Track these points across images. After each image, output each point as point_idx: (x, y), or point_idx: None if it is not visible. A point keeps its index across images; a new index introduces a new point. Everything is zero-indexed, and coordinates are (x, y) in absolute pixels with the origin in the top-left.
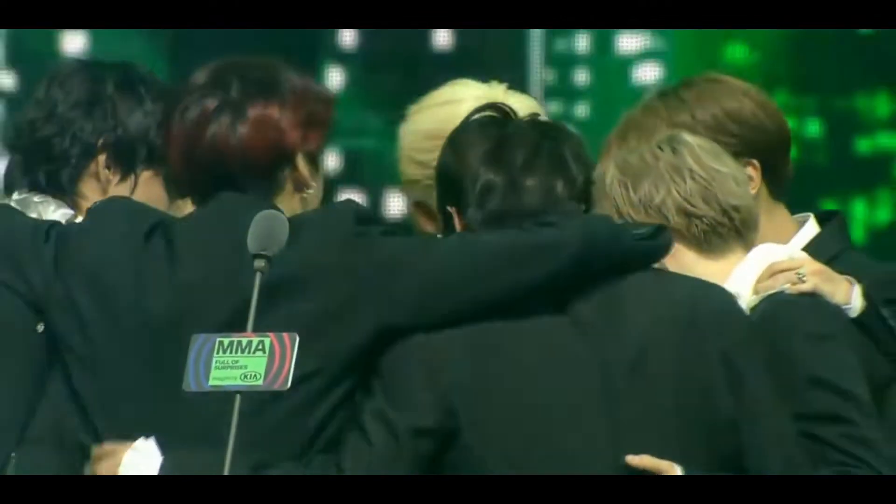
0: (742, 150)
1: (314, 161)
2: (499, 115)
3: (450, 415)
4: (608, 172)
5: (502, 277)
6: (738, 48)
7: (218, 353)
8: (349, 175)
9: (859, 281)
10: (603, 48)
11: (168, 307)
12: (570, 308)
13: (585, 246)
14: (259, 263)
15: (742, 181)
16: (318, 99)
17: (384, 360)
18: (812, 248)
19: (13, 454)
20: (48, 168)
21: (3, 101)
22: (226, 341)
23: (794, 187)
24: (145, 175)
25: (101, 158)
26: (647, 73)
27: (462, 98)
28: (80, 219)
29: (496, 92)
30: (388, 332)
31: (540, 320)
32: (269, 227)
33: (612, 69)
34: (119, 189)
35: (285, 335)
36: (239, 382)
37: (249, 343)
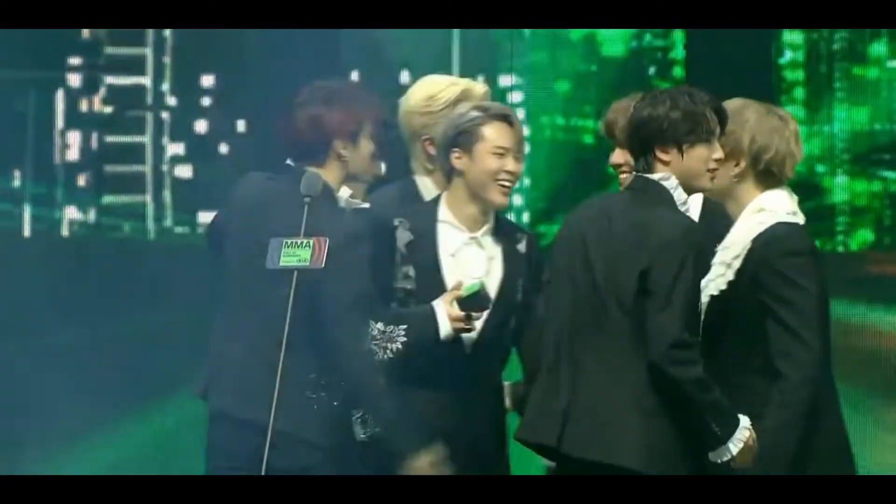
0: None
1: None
2: None
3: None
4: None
5: None
6: (563, 83)
7: (285, 248)
8: None
9: None
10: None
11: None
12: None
13: None
14: (306, 200)
15: None
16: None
17: None
18: None
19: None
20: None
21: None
22: (289, 241)
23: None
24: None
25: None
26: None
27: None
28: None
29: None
30: None
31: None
32: (312, 180)
33: None
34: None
35: (321, 238)
36: (296, 263)
37: (302, 242)
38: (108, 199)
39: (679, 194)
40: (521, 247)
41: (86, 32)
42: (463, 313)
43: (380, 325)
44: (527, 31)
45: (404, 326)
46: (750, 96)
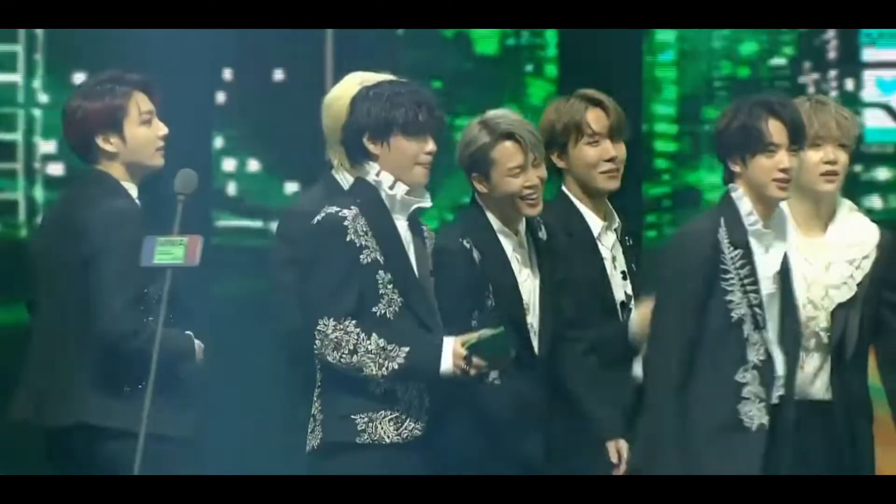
0: None
1: None
2: None
3: None
4: None
5: None
6: (437, 81)
7: (159, 245)
8: None
9: None
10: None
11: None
12: None
13: None
14: (180, 198)
15: None
16: None
17: None
18: None
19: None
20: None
21: None
22: (163, 239)
23: None
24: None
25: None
26: None
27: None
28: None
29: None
30: None
31: None
32: (186, 178)
33: None
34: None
35: (194, 236)
36: (170, 261)
37: (175, 240)
38: None
39: (743, 205)
40: (543, 234)
41: None
42: (465, 353)
43: (381, 342)
44: (400, 30)
45: (406, 349)
46: (623, 95)
